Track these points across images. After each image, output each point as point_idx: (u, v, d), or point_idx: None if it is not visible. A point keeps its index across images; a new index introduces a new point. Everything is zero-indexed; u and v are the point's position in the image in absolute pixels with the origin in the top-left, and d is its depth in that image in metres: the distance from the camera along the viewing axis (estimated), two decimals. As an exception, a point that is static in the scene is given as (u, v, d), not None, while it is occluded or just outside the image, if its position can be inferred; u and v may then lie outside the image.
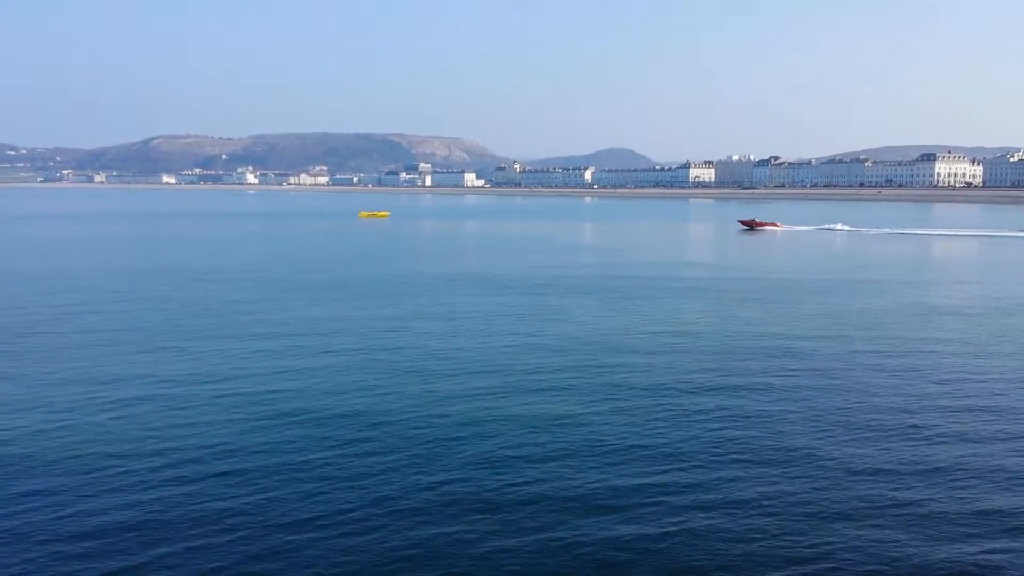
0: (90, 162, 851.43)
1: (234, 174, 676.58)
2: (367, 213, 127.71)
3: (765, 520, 11.81)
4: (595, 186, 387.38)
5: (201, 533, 11.33)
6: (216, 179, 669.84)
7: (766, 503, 12.39)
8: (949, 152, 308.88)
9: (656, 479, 13.30)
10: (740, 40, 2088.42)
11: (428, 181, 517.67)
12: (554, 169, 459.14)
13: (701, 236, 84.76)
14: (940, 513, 12.10)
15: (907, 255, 58.59)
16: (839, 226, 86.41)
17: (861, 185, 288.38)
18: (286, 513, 11.98)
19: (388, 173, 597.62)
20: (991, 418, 16.86)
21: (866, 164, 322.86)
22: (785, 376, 20.30)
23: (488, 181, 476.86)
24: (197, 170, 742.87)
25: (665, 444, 15.02)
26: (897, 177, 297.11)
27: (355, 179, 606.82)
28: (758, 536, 11.31)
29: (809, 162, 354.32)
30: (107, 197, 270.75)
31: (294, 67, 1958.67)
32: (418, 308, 31.11)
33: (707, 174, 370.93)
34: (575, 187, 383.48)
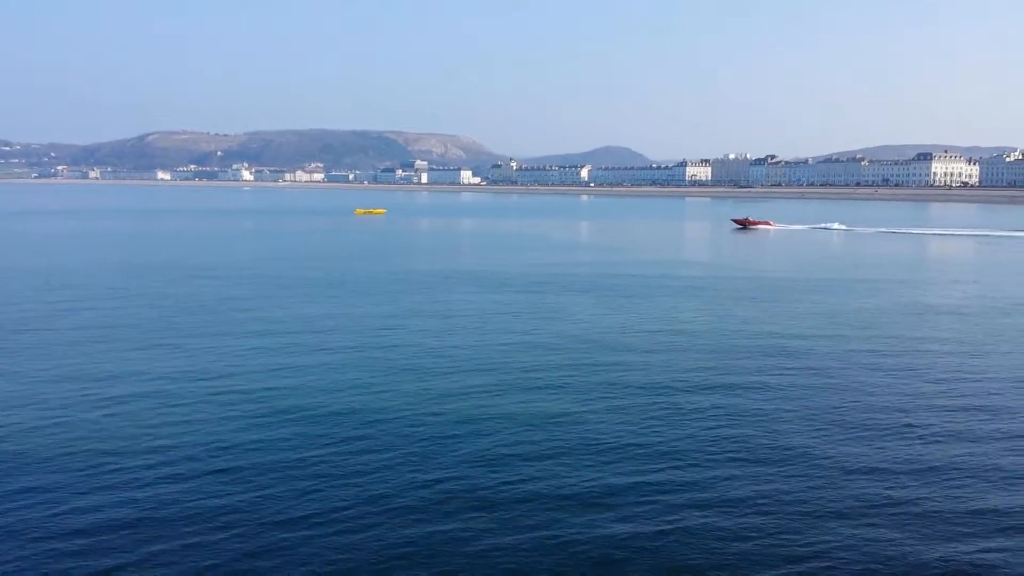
0: (85, 158, 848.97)
1: (229, 171, 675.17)
2: (363, 210, 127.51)
3: (760, 519, 11.81)
4: (591, 184, 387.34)
5: (196, 530, 11.30)
6: (211, 176, 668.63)
7: (761, 502, 12.39)
8: (945, 152, 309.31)
9: (652, 477, 13.30)
10: (740, 40, 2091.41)
11: (424, 178, 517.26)
12: (551, 167, 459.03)
13: (696, 235, 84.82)
14: (935, 512, 12.12)
15: (903, 254, 58.69)
16: (836, 225, 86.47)
17: (857, 184, 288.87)
18: (281, 511, 11.95)
19: (384, 170, 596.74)
20: (986, 417, 16.89)
21: (862, 163, 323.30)
22: (781, 375, 20.32)
23: (484, 179, 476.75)
24: (192, 166, 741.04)
25: (661, 442, 15.02)
26: (893, 176, 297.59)
27: (351, 176, 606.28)
28: (753, 534, 11.32)
29: (806, 161, 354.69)
30: (102, 193, 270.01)
31: (293, 66, 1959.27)
32: (414, 306, 31.07)
33: (704, 172, 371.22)
34: (571, 185, 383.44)
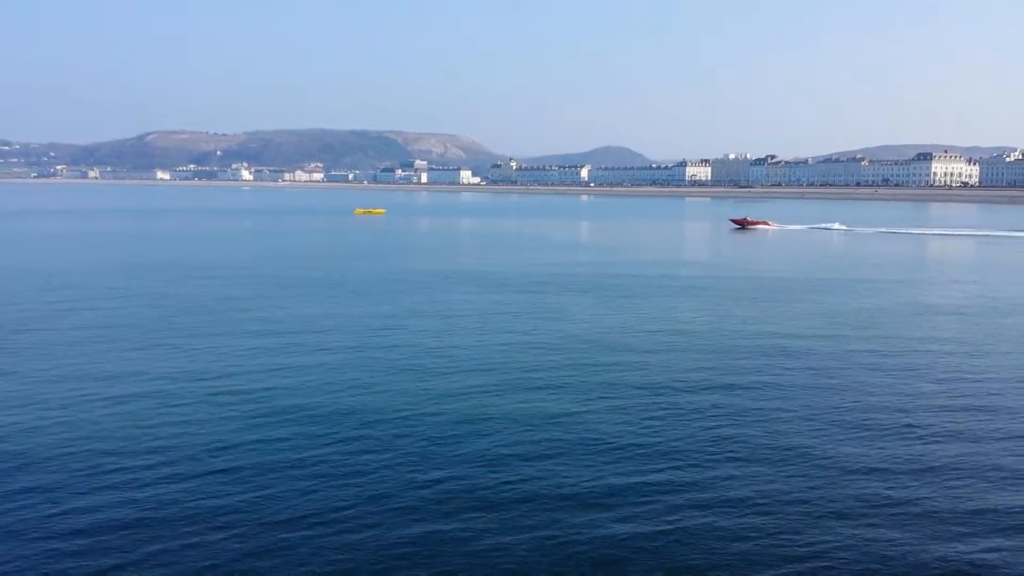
0: (84, 158, 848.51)
1: (229, 170, 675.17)
2: (362, 210, 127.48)
3: (760, 518, 11.81)
4: (591, 184, 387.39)
5: (196, 530, 11.29)
6: (211, 175, 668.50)
7: (761, 501, 12.39)
8: (945, 152, 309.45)
9: (651, 477, 13.29)
10: (740, 40, 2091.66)
11: (424, 178, 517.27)
12: (550, 167, 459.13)
13: (695, 235, 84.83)
14: (935, 511, 12.12)
15: (903, 254, 58.70)
16: (837, 225, 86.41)
17: (857, 184, 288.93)
18: (281, 510, 11.94)
19: (384, 170, 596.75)
20: (986, 417, 16.89)
21: (862, 163, 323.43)
22: (780, 375, 20.32)
23: (484, 179, 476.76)
24: (192, 166, 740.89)
25: (661, 442, 15.02)
26: (893, 176, 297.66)
27: (350, 176, 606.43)
28: (753, 534, 11.31)
29: (806, 161, 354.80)
30: (101, 193, 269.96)
31: (293, 66, 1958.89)
32: (414, 305, 31.06)
33: (703, 172, 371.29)
34: (571, 185, 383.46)
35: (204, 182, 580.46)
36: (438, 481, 13.07)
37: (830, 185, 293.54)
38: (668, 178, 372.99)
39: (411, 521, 11.64)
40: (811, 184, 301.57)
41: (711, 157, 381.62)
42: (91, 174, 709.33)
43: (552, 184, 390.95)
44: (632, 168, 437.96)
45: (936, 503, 12.42)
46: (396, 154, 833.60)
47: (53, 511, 11.88)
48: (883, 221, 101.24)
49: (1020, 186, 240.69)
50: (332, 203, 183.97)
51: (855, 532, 11.41)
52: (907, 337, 25.47)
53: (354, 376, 19.73)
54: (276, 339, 24.13)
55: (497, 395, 18.14)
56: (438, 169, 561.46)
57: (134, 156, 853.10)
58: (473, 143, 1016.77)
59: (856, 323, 27.85)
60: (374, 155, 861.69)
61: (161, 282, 37.28)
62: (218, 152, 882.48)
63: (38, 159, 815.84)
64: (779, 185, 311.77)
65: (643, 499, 12.42)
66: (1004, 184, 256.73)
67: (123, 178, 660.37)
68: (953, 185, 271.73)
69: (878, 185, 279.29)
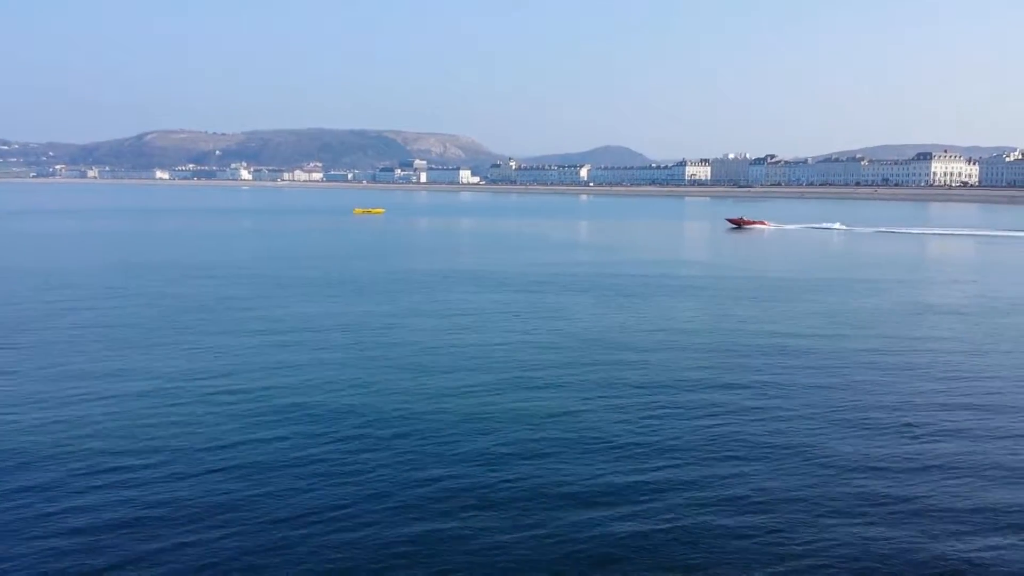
0: (83, 157, 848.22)
1: (228, 170, 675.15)
2: (362, 210, 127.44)
3: (760, 517, 11.80)
4: (591, 184, 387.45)
5: (195, 528, 11.28)
6: (210, 175, 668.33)
7: (761, 500, 12.39)
8: (945, 151, 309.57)
9: (651, 476, 13.29)
10: (740, 40, 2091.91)
11: (423, 178, 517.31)
12: (550, 167, 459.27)
13: (694, 234, 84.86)
14: (934, 510, 12.11)
15: (903, 254, 58.71)
16: (838, 225, 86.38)
17: (857, 184, 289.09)
18: (280, 508, 11.93)
19: (383, 170, 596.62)
20: (985, 416, 16.89)
21: (862, 163, 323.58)
22: (780, 374, 20.32)
23: (483, 178, 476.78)
24: (191, 166, 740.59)
25: (660, 441, 15.01)
26: (893, 176, 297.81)
27: (350, 175, 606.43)
28: (752, 532, 11.31)
29: (805, 161, 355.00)
30: (100, 192, 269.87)
31: (292, 65, 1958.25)
32: (413, 305, 31.06)
33: (703, 172, 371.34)
34: (571, 185, 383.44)
35: (203, 182, 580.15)
36: (437, 479, 13.07)
37: (830, 185, 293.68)
38: (668, 178, 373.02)
39: (410, 519, 11.63)
40: (811, 184, 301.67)
41: (711, 157, 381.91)
42: (90, 174, 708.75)
43: (551, 184, 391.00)
44: (632, 168, 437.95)
45: (935, 501, 12.41)
46: (395, 154, 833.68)
47: (51, 510, 11.87)
48: (883, 221, 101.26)
49: (1020, 186, 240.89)
50: (331, 203, 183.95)
51: (854, 530, 11.41)
52: (906, 336, 25.47)
53: (353, 375, 19.72)
54: (275, 338, 24.12)
55: (496, 394, 18.13)
56: (437, 169, 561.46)
57: (133, 156, 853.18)
58: (472, 143, 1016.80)
59: (855, 323, 27.85)
60: (373, 155, 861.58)
61: (160, 282, 37.26)
62: (217, 152, 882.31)
63: (37, 159, 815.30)
64: (779, 185, 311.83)
65: (642, 497, 12.42)
66: (1004, 184, 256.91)
67: (122, 178, 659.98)
68: (953, 185, 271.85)
69: (878, 185, 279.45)
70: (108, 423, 15.82)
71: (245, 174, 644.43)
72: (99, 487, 12.69)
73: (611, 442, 14.90)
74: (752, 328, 26.50)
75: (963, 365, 21.56)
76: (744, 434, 15.46)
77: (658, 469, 13.60)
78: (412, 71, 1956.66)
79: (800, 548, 10.90)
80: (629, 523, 11.55)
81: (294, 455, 14.10)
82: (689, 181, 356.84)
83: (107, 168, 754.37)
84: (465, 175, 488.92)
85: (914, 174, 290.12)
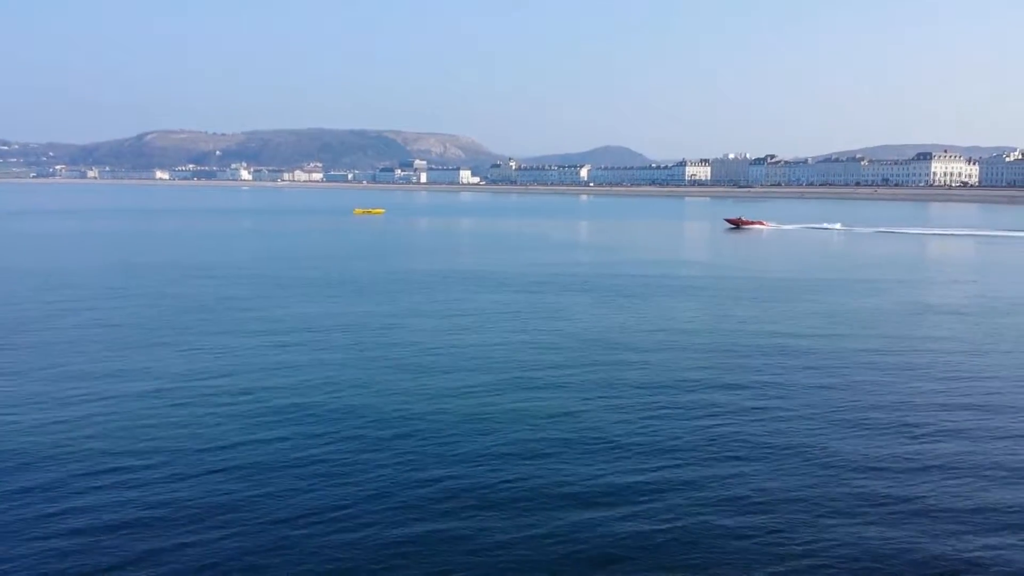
0: (83, 157, 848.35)
1: (228, 170, 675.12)
2: (362, 210, 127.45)
3: (760, 516, 11.81)
4: (591, 184, 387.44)
5: (195, 529, 11.29)
6: (210, 175, 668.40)
7: (761, 500, 12.39)
8: (945, 151, 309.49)
9: (651, 476, 13.29)
10: (740, 40, 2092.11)
11: (423, 178, 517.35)
12: (550, 167, 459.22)
13: (693, 235, 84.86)
14: (934, 509, 12.12)
15: (902, 254, 58.71)
16: (838, 226, 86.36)
17: (857, 184, 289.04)
18: (280, 508, 11.94)
19: (383, 170, 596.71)
20: (985, 416, 16.90)
21: (862, 163, 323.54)
22: (779, 374, 20.32)
23: (484, 178, 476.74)
24: (191, 166, 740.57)
25: (660, 441, 15.02)
26: (893, 176, 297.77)
27: (350, 176, 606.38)
28: (752, 532, 11.32)
29: (805, 161, 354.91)
30: (100, 193, 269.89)
31: (292, 65, 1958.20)
32: (413, 305, 31.06)
33: (703, 172, 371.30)
34: (571, 185, 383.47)
35: (203, 182, 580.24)
36: (437, 479, 13.07)
37: (830, 185, 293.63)
38: (668, 178, 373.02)
39: (410, 519, 11.64)
40: (811, 184, 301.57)
41: (711, 157, 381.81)
42: (90, 174, 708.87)
43: (551, 184, 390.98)
44: (632, 168, 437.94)
45: (935, 501, 12.42)
46: (395, 154, 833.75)
47: (52, 510, 11.88)
48: (882, 221, 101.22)
49: (1020, 186, 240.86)
50: (331, 203, 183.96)
51: (854, 530, 11.42)
52: (906, 337, 25.47)
53: (353, 375, 19.73)
54: (275, 339, 24.12)
55: (496, 394, 18.14)
56: (437, 169, 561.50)
57: (133, 156, 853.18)
58: (472, 143, 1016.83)
59: (855, 323, 27.86)
60: (373, 155, 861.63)
61: (160, 282, 37.27)
62: (217, 152, 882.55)
63: (37, 159, 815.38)
64: (779, 185, 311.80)
65: (642, 497, 12.43)
66: (1004, 184, 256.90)
67: (122, 178, 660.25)
68: (953, 185, 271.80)
69: (878, 185, 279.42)
70: (108, 423, 15.82)
71: (245, 174, 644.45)
72: (99, 487, 12.69)
73: (611, 442, 14.91)
74: (752, 328, 26.50)
75: (963, 365, 21.57)
76: (744, 434, 15.46)
77: (658, 469, 13.60)
78: (412, 71, 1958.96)
79: (800, 548, 10.91)
80: (629, 523, 11.56)
81: (294, 455, 14.11)
82: (689, 181, 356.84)
83: (107, 168, 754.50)
84: (465, 175, 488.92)
85: (914, 174, 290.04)
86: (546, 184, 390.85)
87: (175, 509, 11.91)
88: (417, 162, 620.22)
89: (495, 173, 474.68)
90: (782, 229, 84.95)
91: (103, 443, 14.68)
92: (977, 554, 10.81)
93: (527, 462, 13.87)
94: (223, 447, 14.49)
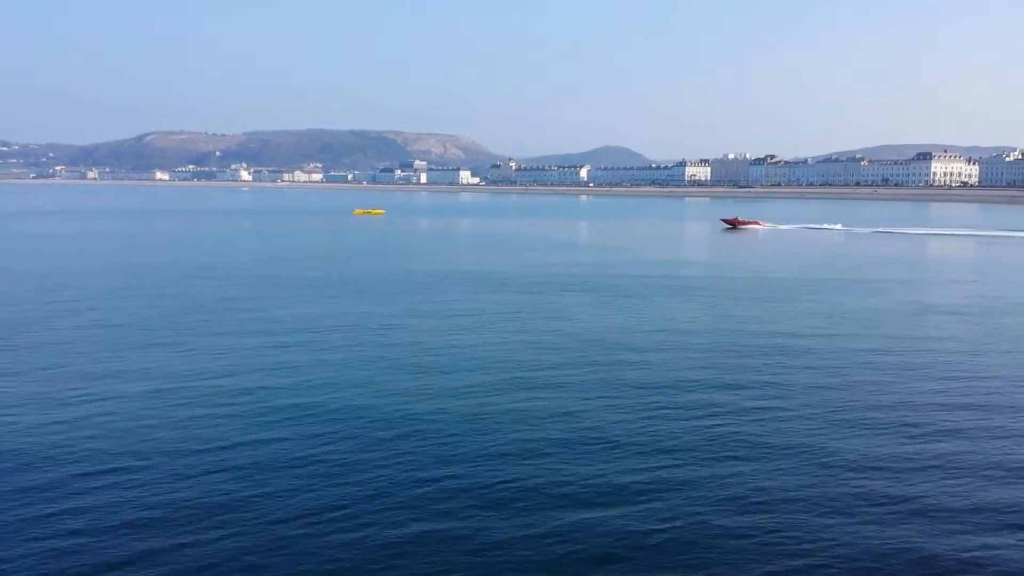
0: (83, 158, 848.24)
1: (228, 171, 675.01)
2: (362, 211, 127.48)
3: (759, 516, 11.82)
4: (591, 184, 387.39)
5: (194, 529, 11.30)
6: (210, 176, 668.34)
7: (760, 499, 12.40)
8: (945, 151, 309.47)
9: (650, 475, 13.30)
10: (740, 40, 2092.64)
11: (423, 179, 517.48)
12: (550, 167, 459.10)
13: (692, 235, 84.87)
14: (933, 508, 12.13)
15: (902, 255, 58.72)
16: (839, 226, 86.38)
17: (857, 184, 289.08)
18: (280, 508, 11.95)
19: (383, 170, 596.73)
20: (985, 415, 16.91)
21: (862, 163, 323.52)
22: (779, 374, 20.33)
23: (483, 179, 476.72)
24: (191, 167, 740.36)
25: (660, 441, 15.02)
26: (893, 176, 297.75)
27: (350, 176, 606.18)
28: (752, 532, 11.33)
29: (805, 161, 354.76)
30: (100, 194, 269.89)
31: (292, 66, 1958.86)
32: (413, 306, 31.07)
33: (703, 172, 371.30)
34: (571, 185, 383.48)
35: (203, 183, 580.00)
36: (437, 479, 13.08)
37: (830, 185, 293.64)
38: (667, 178, 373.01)
39: (410, 519, 11.65)
40: (811, 184, 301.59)
41: (710, 157, 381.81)
42: (90, 175, 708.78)
43: (551, 184, 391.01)
44: (631, 168, 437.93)
45: (934, 501, 12.43)
46: (395, 154, 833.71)
47: (52, 510, 11.89)
48: (882, 221, 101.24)
49: (1019, 186, 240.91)
50: (331, 204, 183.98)
51: (854, 530, 11.43)
52: (906, 337, 25.48)
53: (353, 376, 19.74)
54: (275, 339, 24.13)
55: (496, 394, 18.15)
56: (437, 169, 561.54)
57: (133, 157, 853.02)
58: (472, 143, 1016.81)
59: (855, 323, 27.87)
60: (373, 155, 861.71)
61: (160, 283, 37.28)
62: (217, 153, 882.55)
63: (37, 160, 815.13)
64: (779, 185, 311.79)
65: (642, 497, 12.44)
66: (1004, 184, 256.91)
67: (122, 179, 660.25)
68: (953, 185, 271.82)
69: (878, 185, 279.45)
70: (108, 424, 15.83)
71: (245, 175, 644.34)
72: (99, 488, 12.70)
73: (611, 442, 14.92)
74: (752, 328, 26.51)
75: (962, 365, 21.58)
76: (743, 434, 15.47)
77: (657, 469, 13.61)
78: (412, 71, 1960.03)
79: (799, 547, 10.92)
80: (629, 523, 11.57)
81: (294, 455, 14.12)
82: (689, 181, 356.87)
83: (107, 169, 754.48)
84: (465, 176, 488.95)
85: (914, 174, 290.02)
86: (546, 184, 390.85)
87: (174, 509, 11.92)
88: (417, 163, 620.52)
89: (495, 173, 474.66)
90: (778, 229, 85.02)
91: (103, 443, 14.68)
92: (976, 553, 10.82)
93: (527, 462, 13.88)
94: (222, 447, 14.50)
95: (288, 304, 31.04)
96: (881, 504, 12.29)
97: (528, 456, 14.17)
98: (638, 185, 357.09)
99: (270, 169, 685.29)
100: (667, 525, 11.49)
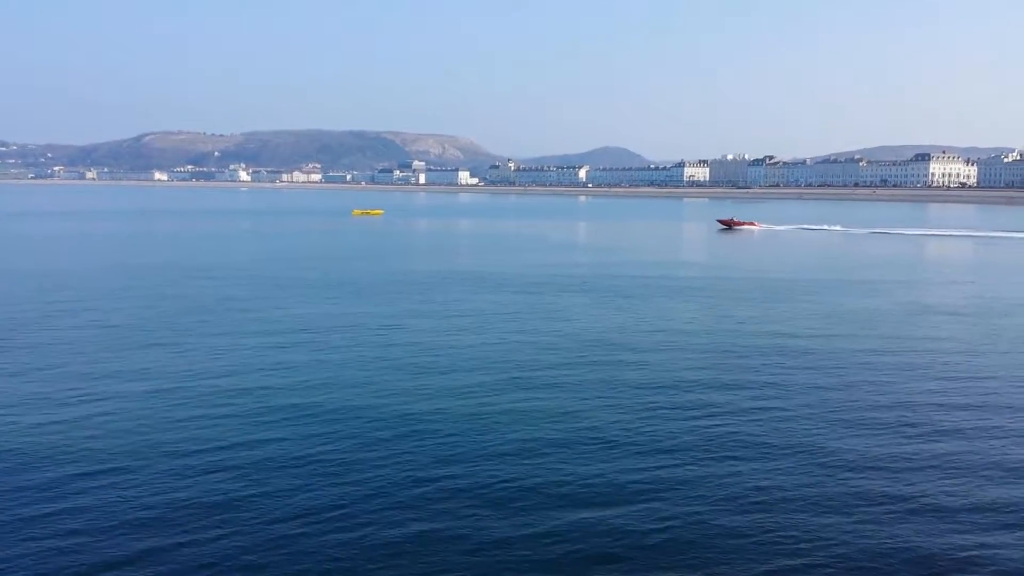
0: (82, 159, 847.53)
1: (226, 171, 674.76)
2: (360, 211, 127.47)
3: (758, 516, 11.84)
4: (590, 185, 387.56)
5: (194, 528, 11.30)
6: (208, 176, 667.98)
7: (759, 499, 12.42)
8: (943, 152, 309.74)
9: (650, 475, 13.32)
10: (740, 40, 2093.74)
11: (422, 179, 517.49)
12: (549, 168, 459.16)
13: (689, 236, 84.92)
14: (932, 508, 12.15)
15: (901, 255, 58.79)
16: (838, 227, 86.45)
17: (856, 185, 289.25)
18: (280, 508, 11.96)
19: (382, 171, 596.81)
20: (984, 415, 16.94)
21: (861, 164, 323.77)
22: (778, 374, 20.36)
23: (482, 179, 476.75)
24: (189, 167, 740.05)
25: (658, 441, 15.04)
26: (892, 177, 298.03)
27: (348, 177, 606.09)
28: (751, 531, 11.34)
29: (804, 162, 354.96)
30: (99, 194, 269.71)
31: (292, 66, 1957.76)
32: (412, 306, 31.08)
33: (702, 173, 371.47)
34: (570, 186, 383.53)
35: (202, 183, 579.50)
36: (436, 479, 13.10)
37: (828, 186, 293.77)
38: (666, 179, 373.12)
39: (409, 519, 11.66)
40: (809, 185, 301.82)
41: (709, 158, 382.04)
42: (88, 175, 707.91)
43: (550, 185, 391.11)
44: (630, 169, 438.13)
45: (933, 500, 12.45)
46: (394, 155, 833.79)
47: (52, 510, 11.89)
48: (880, 222, 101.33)
49: (1018, 187, 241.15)
50: (330, 204, 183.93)
51: (852, 529, 11.45)
52: (904, 337, 25.52)
53: (353, 376, 19.75)
54: (274, 339, 24.14)
55: (496, 394, 18.16)
56: (436, 170, 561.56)
57: (132, 157, 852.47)
58: (471, 144, 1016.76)
59: (853, 323, 27.90)
60: (372, 156, 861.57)
61: (159, 283, 37.27)
62: (216, 153, 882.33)
63: (36, 160, 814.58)
64: (777, 186, 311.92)
65: (641, 496, 12.45)
66: (1002, 185, 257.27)
67: (120, 179, 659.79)
68: (951, 186, 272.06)
69: (876, 186, 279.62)
70: (107, 424, 15.83)
71: (244, 175, 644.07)
72: (98, 487, 12.70)
73: (609, 442, 14.94)
74: (750, 329, 26.54)
75: (960, 365, 21.61)
76: (742, 434, 15.50)
77: (656, 469, 13.63)
78: (412, 71, 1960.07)
79: (798, 547, 10.94)
80: (628, 523, 11.58)
81: (293, 455, 14.13)
82: (688, 182, 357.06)
83: (106, 169, 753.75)
84: (464, 176, 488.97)
85: (912, 175, 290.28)
86: (545, 185, 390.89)
87: (173, 509, 11.93)
88: (416, 163, 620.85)
89: (494, 174, 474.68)
90: (774, 230, 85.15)
91: (101, 443, 14.69)
92: (973, 552, 10.84)
93: (525, 462, 13.90)
94: (221, 447, 14.50)
95: (287, 304, 31.05)
96: (879, 503, 12.32)
97: (527, 456, 14.19)
98: (637, 186, 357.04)
99: (269, 169, 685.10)
100: (666, 525, 11.51)
